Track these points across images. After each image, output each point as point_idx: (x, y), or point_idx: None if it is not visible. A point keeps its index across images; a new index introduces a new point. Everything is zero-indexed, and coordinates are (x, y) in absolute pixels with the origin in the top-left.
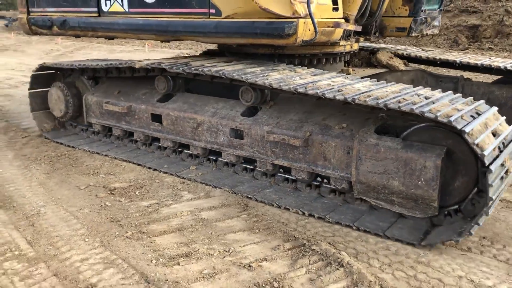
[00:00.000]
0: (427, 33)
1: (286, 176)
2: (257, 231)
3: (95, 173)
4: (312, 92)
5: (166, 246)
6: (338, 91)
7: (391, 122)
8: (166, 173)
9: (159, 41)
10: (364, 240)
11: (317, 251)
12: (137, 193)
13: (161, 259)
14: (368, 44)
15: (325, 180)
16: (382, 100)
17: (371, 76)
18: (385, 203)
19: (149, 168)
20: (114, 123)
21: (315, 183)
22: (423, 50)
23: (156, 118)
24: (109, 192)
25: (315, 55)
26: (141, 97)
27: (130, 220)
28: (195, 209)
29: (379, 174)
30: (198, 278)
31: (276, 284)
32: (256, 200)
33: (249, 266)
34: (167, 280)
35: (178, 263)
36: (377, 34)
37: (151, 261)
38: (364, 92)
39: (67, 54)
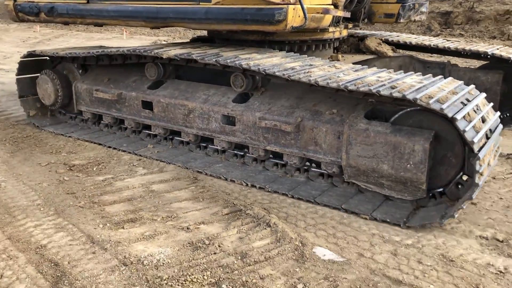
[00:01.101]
0: (415, 19)
1: (235, 152)
2: (201, 200)
3: (57, 152)
4: (363, 89)
5: (114, 214)
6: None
7: (380, 107)
8: (124, 151)
9: (138, 28)
10: (296, 206)
11: (251, 215)
12: (94, 169)
13: (108, 224)
14: (357, 31)
15: (285, 160)
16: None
17: (360, 63)
18: (374, 186)
19: (109, 147)
20: (104, 111)
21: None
22: (411, 36)
23: (147, 105)
24: (68, 168)
25: (305, 41)
26: (131, 85)
27: (85, 192)
28: (146, 183)
29: (369, 158)
30: (139, 239)
31: (207, 242)
32: (206, 174)
33: (187, 228)
34: (110, 240)
35: (123, 227)
36: (366, 20)
37: (99, 225)
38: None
39: (45, 42)
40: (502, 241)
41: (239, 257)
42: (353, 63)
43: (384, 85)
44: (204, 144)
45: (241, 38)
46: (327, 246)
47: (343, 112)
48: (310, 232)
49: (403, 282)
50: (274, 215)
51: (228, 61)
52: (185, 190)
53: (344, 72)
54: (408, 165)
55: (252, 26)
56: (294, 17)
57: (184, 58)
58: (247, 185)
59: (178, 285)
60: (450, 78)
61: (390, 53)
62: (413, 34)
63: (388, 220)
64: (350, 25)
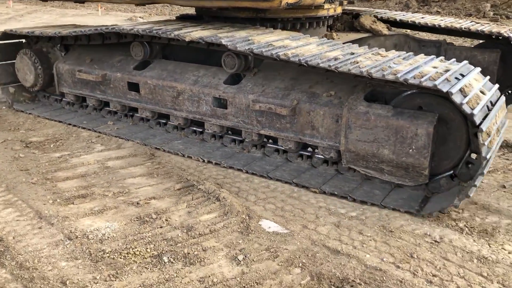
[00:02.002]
0: None
1: (194, 128)
2: (156, 176)
3: (16, 129)
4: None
5: (66, 190)
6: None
7: (380, 89)
8: (84, 128)
9: (114, 5)
10: (250, 181)
11: (202, 190)
12: (51, 146)
13: (58, 200)
14: (350, 7)
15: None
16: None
17: (355, 41)
18: (374, 172)
19: (69, 124)
20: (88, 93)
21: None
22: (405, 14)
23: (133, 86)
24: (24, 145)
25: (298, 19)
26: (116, 65)
27: (39, 169)
28: (103, 159)
29: (369, 142)
30: (87, 214)
31: (155, 216)
32: (164, 150)
33: (137, 203)
34: (58, 216)
35: (73, 203)
36: None
37: (48, 201)
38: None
39: (17, 18)
40: (444, 213)
41: (185, 230)
42: (349, 42)
43: (449, 81)
44: (164, 121)
45: (231, 16)
46: (274, 219)
47: (341, 94)
48: (259, 206)
49: (341, 252)
50: (225, 190)
51: (280, 53)
52: (140, 166)
53: (394, 61)
54: (411, 150)
55: (244, 2)
56: None
57: (214, 41)
58: (203, 161)
59: (120, 257)
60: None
61: (385, 31)
62: (392, 11)
63: (336, 193)
64: (345, 2)
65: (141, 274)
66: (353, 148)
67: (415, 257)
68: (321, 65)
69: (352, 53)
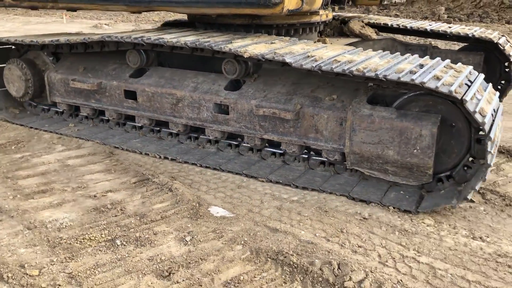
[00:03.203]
0: (395, 1)
1: (152, 127)
2: (113, 172)
3: None
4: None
5: (26, 186)
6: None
7: (381, 92)
8: (46, 131)
9: (80, 12)
10: (203, 173)
11: (156, 182)
12: (13, 147)
13: (18, 195)
14: (338, 13)
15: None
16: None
17: (346, 45)
18: (378, 173)
19: (31, 127)
20: (82, 102)
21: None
22: (392, 18)
23: (130, 94)
24: None
25: (293, 25)
26: (111, 73)
27: (0, 169)
28: (63, 158)
29: (373, 144)
30: (46, 207)
31: (110, 206)
32: (123, 149)
33: (94, 196)
34: (18, 209)
35: (33, 198)
36: (350, 3)
37: (9, 197)
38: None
39: None
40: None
41: (138, 218)
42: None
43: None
44: (123, 121)
45: (226, 22)
46: (222, 205)
47: (344, 97)
48: (210, 195)
49: (279, 230)
50: (178, 182)
51: (353, 69)
52: (99, 163)
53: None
54: (415, 150)
55: (245, 9)
56: (290, 0)
57: (281, 61)
58: (160, 157)
59: (76, 243)
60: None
61: (373, 36)
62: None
63: (281, 181)
64: (336, 8)
65: (95, 256)
66: (357, 150)
67: (345, 232)
68: (402, 79)
69: (422, 65)
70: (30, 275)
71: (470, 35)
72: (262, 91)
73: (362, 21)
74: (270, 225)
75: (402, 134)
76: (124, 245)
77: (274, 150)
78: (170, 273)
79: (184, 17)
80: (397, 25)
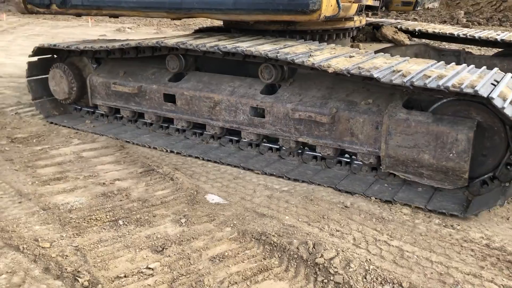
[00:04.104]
0: (428, 7)
1: (161, 124)
2: (122, 163)
3: (3, 128)
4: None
5: (44, 174)
6: None
7: (416, 97)
8: (64, 126)
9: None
10: (204, 166)
11: (160, 172)
12: (34, 141)
13: (36, 182)
14: (370, 19)
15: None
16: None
17: (378, 51)
18: (413, 176)
19: (51, 123)
20: (122, 104)
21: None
22: (425, 24)
23: (169, 98)
24: (10, 140)
25: (327, 30)
26: (151, 77)
27: (22, 159)
28: (78, 151)
29: (409, 148)
30: (60, 192)
31: (116, 192)
32: (133, 143)
33: (103, 184)
34: (36, 194)
35: (49, 184)
36: (383, 9)
37: (28, 183)
38: None
39: (9, 30)
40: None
41: (140, 202)
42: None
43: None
44: (135, 118)
45: (261, 28)
46: (218, 193)
47: (379, 102)
48: (208, 184)
49: (266, 215)
50: (180, 172)
51: (448, 84)
52: (110, 156)
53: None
54: (451, 154)
55: (283, 16)
56: (327, 7)
57: (369, 76)
58: (167, 151)
59: (84, 222)
60: None
61: (406, 41)
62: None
63: (275, 173)
64: (370, 14)
65: (99, 233)
66: (393, 153)
67: (326, 217)
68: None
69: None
70: (42, 247)
71: (499, 40)
72: (297, 95)
73: (395, 27)
74: (259, 211)
75: (438, 138)
76: (126, 225)
77: (271, 145)
78: (163, 248)
79: (212, 22)
80: (433, 31)
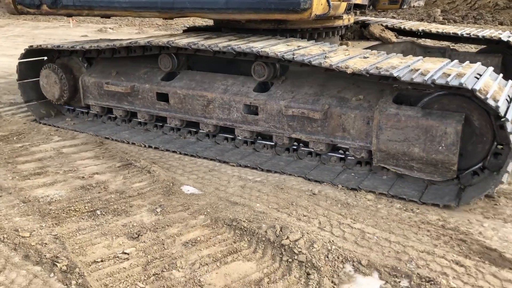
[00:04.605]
0: (414, 5)
1: (139, 120)
2: (101, 158)
3: None
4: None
5: (24, 170)
6: None
7: (405, 92)
8: (45, 124)
9: (99, 18)
10: (182, 159)
11: (137, 166)
12: (14, 138)
13: (17, 177)
14: (358, 17)
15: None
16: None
17: (366, 49)
18: (404, 169)
19: (33, 121)
20: (115, 104)
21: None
22: (399, 21)
23: (162, 97)
24: None
25: (316, 29)
26: (143, 76)
27: (2, 156)
28: (58, 147)
29: (399, 142)
30: (40, 186)
31: (94, 185)
32: (112, 139)
33: (83, 177)
34: (16, 188)
35: (29, 179)
36: (370, 7)
37: (8, 178)
38: None
39: None
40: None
41: (118, 194)
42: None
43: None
44: (113, 115)
45: (252, 27)
46: (193, 185)
47: (370, 97)
48: (184, 176)
49: (238, 203)
50: (157, 166)
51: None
52: (90, 151)
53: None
54: (440, 147)
55: (275, 15)
56: (317, 5)
57: (389, 75)
58: (145, 146)
59: (63, 213)
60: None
61: (393, 39)
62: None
63: (249, 165)
64: (358, 12)
65: (78, 223)
66: (384, 147)
67: (294, 204)
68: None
69: None
70: (22, 236)
71: (481, 37)
72: (290, 92)
73: (382, 25)
74: (232, 199)
75: (427, 132)
76: (103, 214)
77: (246, 139)
78: (139, 235)
79: (195, 21)
80: (415, 29)
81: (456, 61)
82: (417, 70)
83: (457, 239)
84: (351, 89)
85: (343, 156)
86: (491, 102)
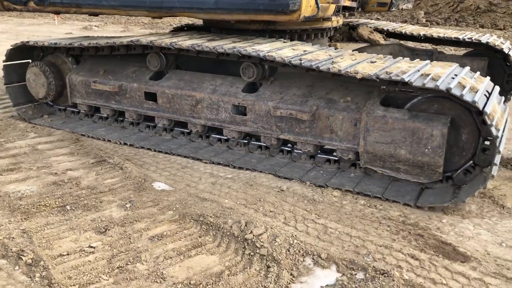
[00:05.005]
0: (402, 8)
1: (116, 118)
2: (76, 155)
3: None
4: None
5: None
6: None
7: (393, 95)
8: (22, 119)
9: (72, 14)
10: (156, 157)
11: (111, 163)
12: None
13: None
14: (347, 19)
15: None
16: None
17: (355, 51)
18: (390, 171)
19: (10, 117)
20: (102, 103)
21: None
22: (399, 25)
23: (150, 96)
24: None
25: (305, 30)
26: (131, 75)
27: None
28: (34, 143)
29: (386, 144)
30: (12, 181)
31: (66, 180)
32: (89, 136)
33: (55, 173)
34: None
35: (1, 174)
36: (359, 9)
37: None
38: None
39: None
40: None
41: (89, 190)
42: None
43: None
44: (91, 113)
45: (241, 28)
46: (165, 181)
47: (358, 99)
48: (156, 173)
49: (207, 199)
50: (131, 163)
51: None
52: (65, 148)
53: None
54: (426, 150)
55: (264, 16)
56: (306, 7)
57: (399, 80)
58: (120, 143)
59: (33, 208)
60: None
61: (382, 41)
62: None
63: (221, 162)
64: (347, 14)
65: (47, 218)
66: (371, 149)
67: (262, 200)
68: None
69: None
70: None
71: (468, 40)
72: (278, 93)
73: (371, 27)
74: (201, 196)
75: (414, 134)
76: (73, 210)
77: (220, 136)
78: (106, 230)
79: (181, 21)
80: (404, 31)
81: (467, 68)
82: (427, 75)
83: (415, 234)
84: (339, 91)
85: (313, 154)
86: (493, 130)
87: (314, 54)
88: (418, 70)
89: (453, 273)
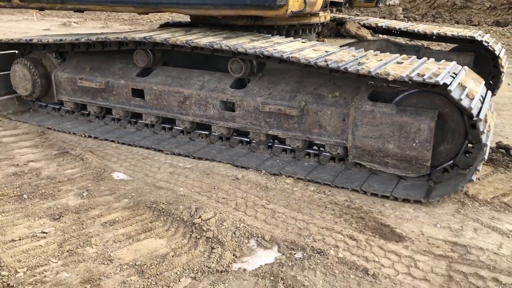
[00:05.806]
0: (389, 4)
1: (82, 111)
2: (40, 147)
3: None
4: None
5: None
6: None
7: (380, 90)
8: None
9: (65, 11)
10: (118, 148)
11: (73, 154)
12: None
13: None
14: (334, 15)
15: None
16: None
17: (343, 46)
18: (379, 166)
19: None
20: (89, 100)
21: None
22: (386, 20)
23: (138, 93)
24: None
25: (293, 26)
26: (118, 72)
27: None
28: None
29: (374, 138)
30: None
31: (27, 171)
32: (54, 129)
33: (17, 165)
34: None
35: None
36: (347, 5)
37: None
38: None
39: None
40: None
41: (49, 180)
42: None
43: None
44: (58, 107)
45: (228, 23)
46: (125, 171)
47: (346, 95)
48: (117, 164)
49: (163, 188)
50: (92, 154)
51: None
52: (30, 141)
53: None
54: (414, 144)
55: (251, 11)
56: (293, 2)
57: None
58: (85, 136)
59: None
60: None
61: (369, 37)
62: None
63: (182, 153)
64: (334, 10)
65: (3, 206)
66: (359, 144)
67: (216, 188)
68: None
69: None
70: None
71: (457, 36)
72: (267, 89)
73: (358, 23)
74: (158, 184)
75: (401, 129)
76: (30, 198)
77: (179, 128)
78: (60, 216)
79: (161, 17)
80: (392, 27)
81: (469, 70)
82: (464, 87)
83: (357, 217)
84: (328, 86)
85: (270, 144)
86: (484, 137)
87: (339, 55)
88: (448, 72)
89: (386, 252)
